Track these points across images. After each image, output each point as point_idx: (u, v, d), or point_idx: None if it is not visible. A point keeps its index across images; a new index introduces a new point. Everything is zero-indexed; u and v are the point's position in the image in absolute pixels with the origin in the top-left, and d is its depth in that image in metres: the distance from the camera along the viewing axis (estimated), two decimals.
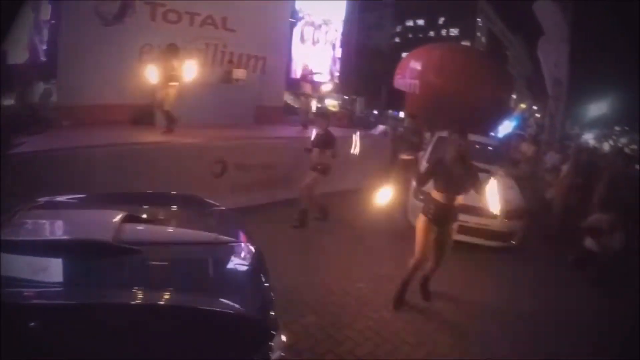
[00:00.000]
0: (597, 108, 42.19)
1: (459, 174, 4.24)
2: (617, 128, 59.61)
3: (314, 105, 10.75)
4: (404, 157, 8.31)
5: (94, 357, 2.06)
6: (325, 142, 6.42)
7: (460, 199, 4.43)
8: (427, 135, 9.51)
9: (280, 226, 6.40)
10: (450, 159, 4.32)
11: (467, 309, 4.87)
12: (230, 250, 3.13)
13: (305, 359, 3.52)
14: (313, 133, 6.70)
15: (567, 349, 4.33)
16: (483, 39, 56.84)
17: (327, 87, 10.78)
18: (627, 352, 4.51)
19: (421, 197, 5.29)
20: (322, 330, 3.96)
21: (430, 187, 4.53)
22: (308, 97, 10.39)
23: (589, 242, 6.28)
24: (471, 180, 4.27)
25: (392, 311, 4.46)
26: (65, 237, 2.79)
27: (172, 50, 7.10)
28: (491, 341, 4.26)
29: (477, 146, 8.32)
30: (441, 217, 4.39)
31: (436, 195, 4.39)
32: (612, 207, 6.24)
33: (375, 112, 13.99)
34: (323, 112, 6.86)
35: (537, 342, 4.38)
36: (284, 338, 2.71)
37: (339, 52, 13.43)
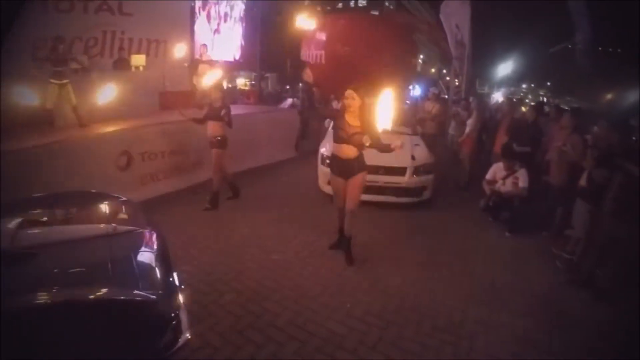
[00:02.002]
0: (504, 68, 44.62)
1: (350, 125, 4.53)
2: (524, 86, 63.59)
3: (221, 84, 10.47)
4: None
5: None
6: (218, 113, 6.27)
7: (353, 150, 4.61)
8: (334, 102, 9.63)
9: (193, 210, 6.32)
10: (340, 112, 4.64)
11: (387, 265, 5.01)
12: (130, 240, 3.15)
13: (226, 338, 3.48)
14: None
15: (476, 290, 4.61)
16: (391, 8, 57.88)
17: (211, 67, 10.52)
18: (535, 278, 4.91)
19: (327, 160, 5.37)
20: (241, 306, 3.94)
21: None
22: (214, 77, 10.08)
23: (490, 189, 6.64)
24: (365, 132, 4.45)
25: (308, 277, 4.52)
26: None
27: (60, 44, 6.64)
28: (413, 293, 4.40)
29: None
30: (340, 170, 4.73)
31: (334, 148, 4.74)
32: (509, 154, 6.61)
33: (288, 87, 13.94)
34: (216, 86, 6.68)
35: (457, 287, 4.61)
36: (189, 321, 2.76)
37: (247, 29, 13.16)
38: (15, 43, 7.10)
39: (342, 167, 4.73)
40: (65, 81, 6.57)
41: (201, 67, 10.06)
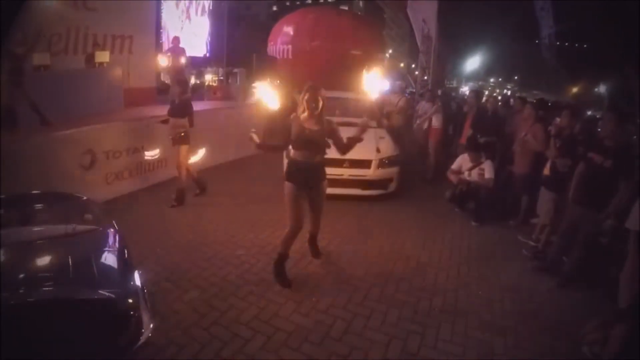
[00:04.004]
0: (472, 62, 45.44)
1: (309, 130, 4.09)
2: (492, 80, 64.87)
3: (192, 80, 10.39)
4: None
5: None
6: (181, 110, 6.17)
7: (318, 156, 4.20)
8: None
9: (158, 208, 6.21)
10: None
11: (353, 258, 5.02)
12: (90, 239, 3.17)
13: (191, 336, 3.42)
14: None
15: (443, 279, 4.68)
16: (361, 4, 58.05)
17: (182, 61, 10.36)
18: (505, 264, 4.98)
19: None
20: (205, 303, 3.88)
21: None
22: (177, 73, 9.96)
23: (457, 179, 6.72)
24: (326, 134, 4.16)
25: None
26: None
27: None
28: (378, 285, 4.42)
29: (353, 102, 8.55)
30: (304, 178, 4.17)
31: (295, 154, 4.20)
32: (474, 147, 6.70)
33: (256, 82, 13.86)
34: (178, 80, 6.58)
35: (423, 278, 4.66)
36: (150, 318, 2.77)
37: (214, 24, 13.01)
38: None
39: (308, 175, 4.19)
40: (21, 78, 6.33)
41: (172, 59, 9.93)
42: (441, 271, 4.84)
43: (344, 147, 4.25)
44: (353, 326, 3.68)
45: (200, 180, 6.79)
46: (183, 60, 10.31)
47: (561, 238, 4.97)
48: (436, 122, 8.57)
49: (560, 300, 4.39)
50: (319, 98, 4.09)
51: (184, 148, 6.21)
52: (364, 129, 4.17)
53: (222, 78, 13.57)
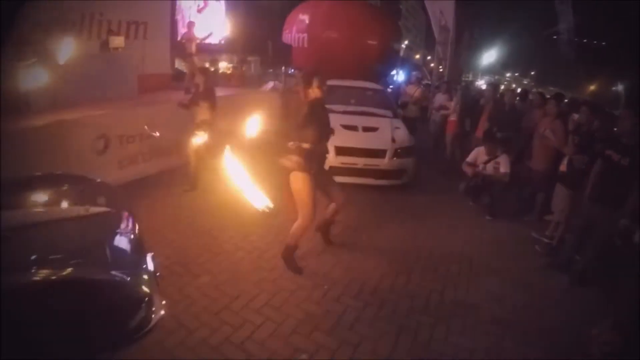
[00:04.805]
0: (489, 56, 44.94)
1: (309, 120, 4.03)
2: (508, 74, 64.18)
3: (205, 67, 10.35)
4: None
5: None
6: (205, 97, 6.18)
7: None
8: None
9: (171, 193, 6.20)
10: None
11: (365, 247, 5.00)
12: (103, 221, 3.10)
13: (201, 320, 3.43)
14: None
15: (455, 272, 4.63)
16: None
17: (191, 48, 10.34)
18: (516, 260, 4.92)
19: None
20: (216, 288, 3.88)
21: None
22: (193, 59, 9.95)
23: (471, 171, 6.64)
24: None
25: None
26: None
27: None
28: (390, 275, 4.40)
29: (369, 92, 8.51)
30: (320, 166, 4.22)
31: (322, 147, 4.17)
32: (491, 139, 6.62)
33: (271, 70, 13.78)
34: (200, 68, 6.59)
35: (435, 270, 4.63)
36: (162, 302, 2.74)
37: (230, 12, 12.97)
38: None
39: (321, 163, 4.26)
40: (32, 60, 6.36)
41: (188, 47, 9.90)
42: (453, 264, 4.80)
43: None
44: (364, 316, 3.66)
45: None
46: (194, 47, 10.27)
47: (575, 236, 4.90)
48: (454, 114, 8.47)
49: (571, 298, 4.34)
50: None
51: (205, 135, 6.19)
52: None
53: (236, 66, 13.56)
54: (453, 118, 8.44)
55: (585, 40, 41.16)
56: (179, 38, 10.93)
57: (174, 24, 10.91)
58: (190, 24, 10.68)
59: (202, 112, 6.15)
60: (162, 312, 2.75)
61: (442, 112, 8.88)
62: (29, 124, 5.49)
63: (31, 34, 6.58)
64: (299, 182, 4.10)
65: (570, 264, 4.80)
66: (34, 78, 6.36)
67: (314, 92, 4.03)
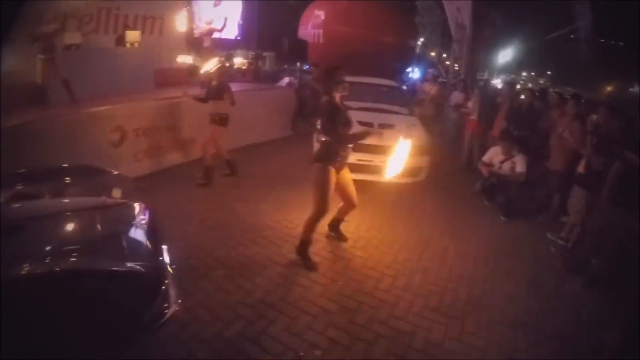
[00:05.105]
0: (505, 54, 44.33)
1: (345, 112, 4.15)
2: (524, 74, 63.35)
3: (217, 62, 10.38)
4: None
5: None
6: (220, 91, 6.23)
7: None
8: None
9: (186, 186, 6.24)
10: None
11: (380, 244, 4.99)
12: (120, 212, 3.12)
13: (215, 314, 3.45)
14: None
15: (469, 272, 4.60)
16: None
17: (206, 43, 10.33)
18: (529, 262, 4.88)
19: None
20: (231, 282, 3.90)
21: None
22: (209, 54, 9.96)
23: (487, 171, 6.59)
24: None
25: None
26: None
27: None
28: (405, 273, 4.39)
29: (385, 89, 8.46)
30: (342, 161, 4.25)
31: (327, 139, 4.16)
32: (508, 137, 6.56)
33: (286, 66, 13.77)
34: (215, 64, 6.62)
35: (450, 269, 4.61)
36: (177, 295, 2.74)
37: (245, 7, 12.90)
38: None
39: (344, 159, 4.27)
40: (53, 55, 6.44)
41: (205, 42, 9.92)
42: (468, 263, 4.78)
43: (350, 140, 4.33)
44: (378, 313, 3.66)
45: (232, 162, 6.80)
46: (207, 42, 10.28)
47: (591, 238, 4.84)
48: (474, 113, 8.38)
49: (585, 301, 4.30)
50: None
51: (219, 129, 6.28)
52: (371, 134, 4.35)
53: (251, 61, 13.59)
54: (473, 117, 8.33)
55: (602, 40, 40.40)
56: (195, 34, 10.93)
57: (189, 20, 10.90)
58: (209, 22, 10.70)
59: (220, 106, 6.20)
60: (177, 305, 2.75)
61: (463, 110, 8.79)
62: (46, 117, 5.56)
63: (49, 28, 6.62)
64: (316, 172, 4.17)
65: (585, 267, 4.75)
66: (54, 71, 6.45)
67: (335, 88, 4.06)
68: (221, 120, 6.27)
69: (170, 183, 6.30)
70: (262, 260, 4.34)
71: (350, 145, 4.36)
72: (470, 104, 8.50)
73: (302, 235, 4.32)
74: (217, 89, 6.24)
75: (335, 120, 4.05)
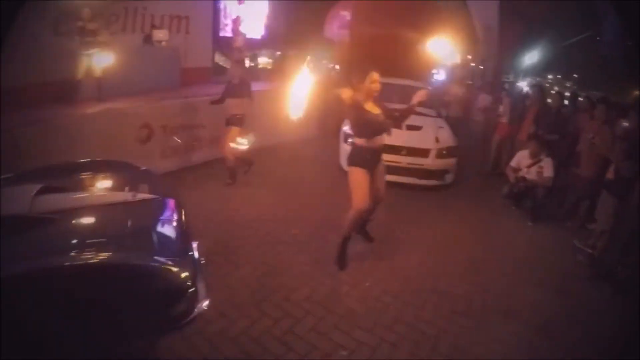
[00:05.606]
0: (530, 57, 43.61)
1: (375, 115, 4.05)
2: (549, 76, 62.17)
3: (246, 62, 10.42)
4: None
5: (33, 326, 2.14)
6: (239, 90, 6.13)
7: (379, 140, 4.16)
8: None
9: (212, 184, 6.29)
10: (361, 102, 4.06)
11: (407, 246, 4.97)
12: (149, 207, 3.13)
13: (242, 311, 3.47)
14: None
15: (496, 276, 4.54)
16: None
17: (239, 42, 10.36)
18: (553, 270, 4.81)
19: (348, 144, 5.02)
20: (257, 280, 3.92)
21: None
22: (237, 54, 10.02)
23: (514, 177, 6.48)
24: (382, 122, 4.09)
25: (327, 254, 4.40)
26: None
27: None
28: (432, 276, 4.36)
29: (411, 90, 8.37)
30: (373, 163, 4.18)
31: (365, 141, 4.11)
32: (536, 142, 6.44)
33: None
34: (236, 60, 6.61)
35: (476, 273, 4.55)
36: (206, 291, 2.72)
37: (272, 6, 12.92)
38: (34, 20, 7.04)
39: (374, 159, 4.21)
40: (92, 51, 6.57)
41: (235, 41, 9.98)
42: (494, 268, 4.72)
43: (401, 120, 4.52)
44: (404, 315, 3.64)
45: (247, 159, 6.68)
46: (240, 42, 10.32)
47: (620, 245, 4.72)
48: (505, 116, 8.18)
49: (613, 309, 4.20)
50: (378, 81, 4.03)
51: (235, 130, 6.20)
52: (417, 103, 4.31)
53: (277, 60, 13.60)
54: (504, 120, 8.18)
55: (629, 43, 39.33)
56: (225, 34, 10.99)
57: (216, 19, 10.97)
58: (236, 20, 10.71)
59: (236, 105, 6.15)
60: (207, 301, 2.73)
61: (493, 114, 8.62)
62: (77, 112, 5.66)
63: (92, 25, 6.75)
64: (350, 173, 4.18)
65: (613, 275, 4.64)
66: (90, 67, 6.60)
67: (367, 88, 3.99)
68: (237, 120, 6.18)
69: (196, 180, 6.36)
70: (288, 258, 4.35)
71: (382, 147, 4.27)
72: (501, 108, 8.33)
73: (344, 231, 4.27)
74: (237, 88, 6.16)
75: (362, 122, 4.03)
